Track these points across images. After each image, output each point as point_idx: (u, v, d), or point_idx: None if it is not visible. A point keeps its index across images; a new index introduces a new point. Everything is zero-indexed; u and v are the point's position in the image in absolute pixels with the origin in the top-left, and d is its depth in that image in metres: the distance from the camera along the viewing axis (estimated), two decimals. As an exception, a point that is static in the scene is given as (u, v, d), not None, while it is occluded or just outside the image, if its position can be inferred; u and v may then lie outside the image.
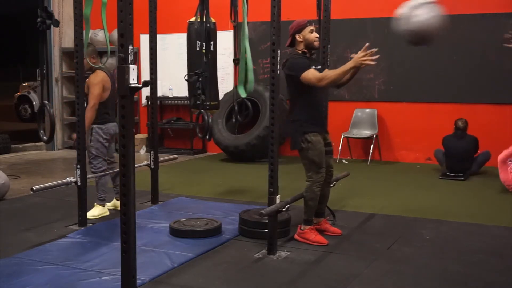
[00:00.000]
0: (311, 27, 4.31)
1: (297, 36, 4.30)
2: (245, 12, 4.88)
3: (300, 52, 4.31)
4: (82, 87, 4.68)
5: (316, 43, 4.31)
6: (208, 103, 4.83)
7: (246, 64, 4.90)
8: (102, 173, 5.16)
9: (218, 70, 5.23)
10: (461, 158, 7.03)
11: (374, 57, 3.93)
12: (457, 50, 7.88)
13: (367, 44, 3.94)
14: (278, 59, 4.02)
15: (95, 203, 5.18)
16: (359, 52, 3.95)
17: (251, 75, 4.87)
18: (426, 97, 8.12)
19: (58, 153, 9.58)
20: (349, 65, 3.99)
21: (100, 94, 5.07)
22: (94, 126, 5.13)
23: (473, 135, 7.14)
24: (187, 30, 4.99)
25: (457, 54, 7.88)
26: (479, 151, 7.22)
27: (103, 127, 5.17)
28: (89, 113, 4.98)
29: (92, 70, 5.13)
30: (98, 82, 5.06)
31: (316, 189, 4.28)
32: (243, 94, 4.97)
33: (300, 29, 4.29)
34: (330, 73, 4.12)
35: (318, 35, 4.34)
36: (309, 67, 4.15)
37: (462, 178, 6.87)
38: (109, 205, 5.41)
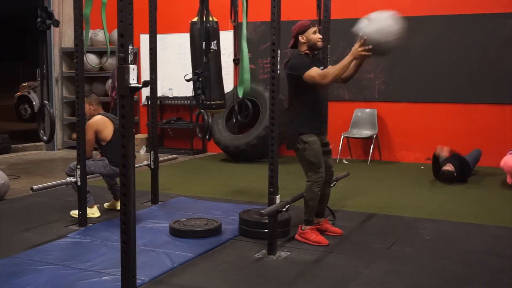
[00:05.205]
0: (315, 28, 4.31)
1: (300, 37, 4.28)
2: (245, 12, 4.87)
3: (302, 53, 4.32)
4: (82, 87, 4.67)
5: (319, 44, 4.30)
6: (214, 102, 4.84)
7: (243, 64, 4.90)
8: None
9: (218, 70, 5.23)
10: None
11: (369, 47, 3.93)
12: (457, 50, 7.87)
13: (365, 37, 3.91)
14: (278, 59, 4.02)
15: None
16: (355, 45, 3.94)
17: (247, 75, 4.86)
18: (426, 97, 8.12)
19: (58, 153, 9.58)
20: (348, 58, 4.00)
21: (91, 139, 5.01)
22: (108, 163, 5.03)
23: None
24: (189, 30, 4.99)
25: (457, 54, 7.88)
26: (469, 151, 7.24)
27: (115, 171, 5.04)
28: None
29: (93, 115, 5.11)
30: (89, 128, 4.99)
31: (316, 189, 4.28)
32: (240, 95, 4.97)
33: (303, 30, 4.27)
34: (332, 69, 4.14)
35: (321, 36, 4.34)
36: (311, 66, 4.16)
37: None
38: (107, 205, 5.42)
